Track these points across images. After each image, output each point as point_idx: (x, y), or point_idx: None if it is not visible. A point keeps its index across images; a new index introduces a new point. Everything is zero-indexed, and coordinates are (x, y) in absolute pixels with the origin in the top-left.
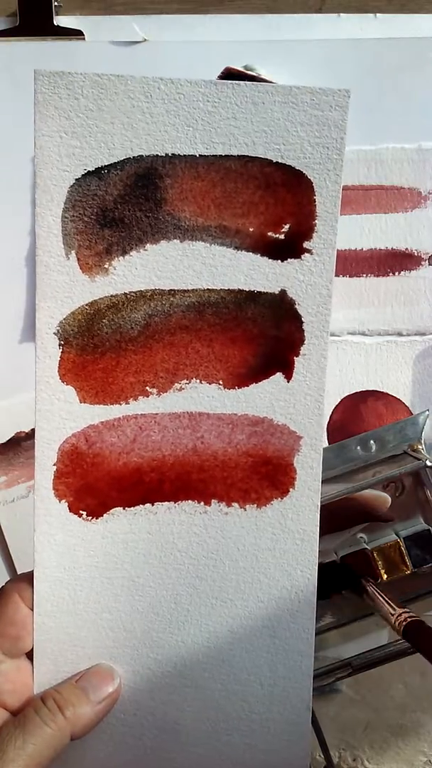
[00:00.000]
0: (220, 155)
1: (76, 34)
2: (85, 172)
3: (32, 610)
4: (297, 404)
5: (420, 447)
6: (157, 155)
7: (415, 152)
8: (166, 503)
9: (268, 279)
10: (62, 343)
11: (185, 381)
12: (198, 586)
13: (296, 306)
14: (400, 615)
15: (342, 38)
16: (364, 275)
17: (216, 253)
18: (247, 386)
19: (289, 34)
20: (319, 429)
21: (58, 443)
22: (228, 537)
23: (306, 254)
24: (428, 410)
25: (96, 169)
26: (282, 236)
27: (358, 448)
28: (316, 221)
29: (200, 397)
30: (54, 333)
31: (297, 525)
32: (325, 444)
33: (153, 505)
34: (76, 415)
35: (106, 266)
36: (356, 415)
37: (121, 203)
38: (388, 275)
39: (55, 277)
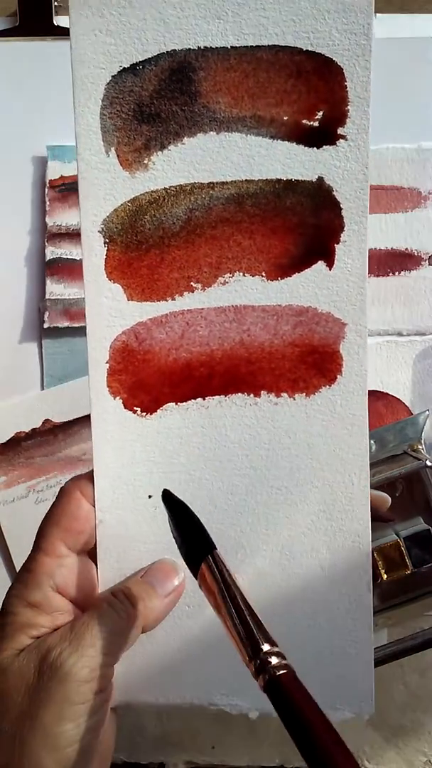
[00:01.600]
0: (251, 46)
1: None
2: (121, 68)
3: (94, 506)
4: (340, 291)
5: (420, 447)
6: (190, 49)
7: (415, 152)
8: (216, 397)
9: (305, 167)
10: (107, 241)
11: (228, 275)
12: (252, 476)
13: (334, 193)
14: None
15: None
16: None
17: (252, 143)
18: (290, 276)
19: None
20: (363, 315)
21: (110, 341)
22: (279, 426)
23: (341, 140)
24: (428, 410)
25: (131, 65)
26: (316, 123)
27: None
28: (349, 107)
29: (244, 290)
30: (99, 231)
31: (346, 410)
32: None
33: (204, 399)
34: (125, 313)
35: (145, 162)
36: None
37: (157, 98)
38: (388, 275)
39: (96, 174)
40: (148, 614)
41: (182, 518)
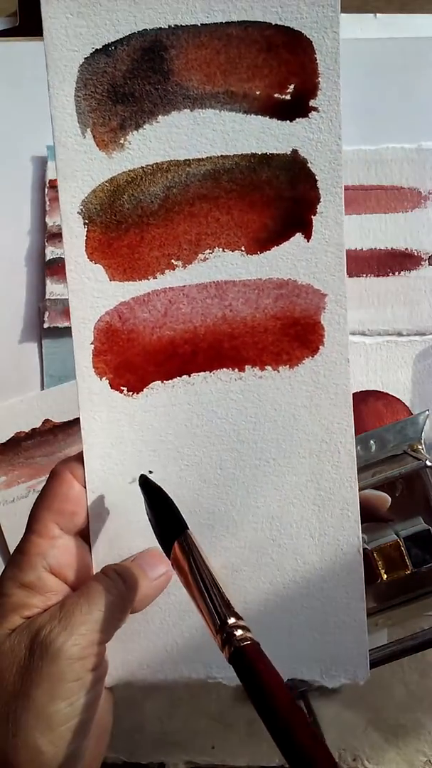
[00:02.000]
0: (221, 22)
1: None
2: (93, 50)
3: (85, 487)
4: (318, 263)
5: (420, 447)
6: (161, 28)
7: (415, 152)
8: (201, 373)
9: (279, 140)
10: (86, 222)
11: (208, 251)
12: (240, 449)
13: (309, 165)
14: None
15: (342, 38)
16: (364, 275)
17: (226, 119)
18: (269, 250)
19: None
20: (342, 284)
21: (93, 322)
22: (264, 399)
23: (313, 112)
24: (428, 410)
25: (103, 46)
26: (288, 96)
27: (358, 448)
28: (320, 79)
29: (224, 266)
30: (78, 212)
31: (330, 380)
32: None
33: (189, 376)
34: (108, 294)
35: (121, 141)
36: (356, 415)
37: (131, 78)
38: (388, 275)
39: (73, 156)
40: (138, 595)
41: (156, 501)
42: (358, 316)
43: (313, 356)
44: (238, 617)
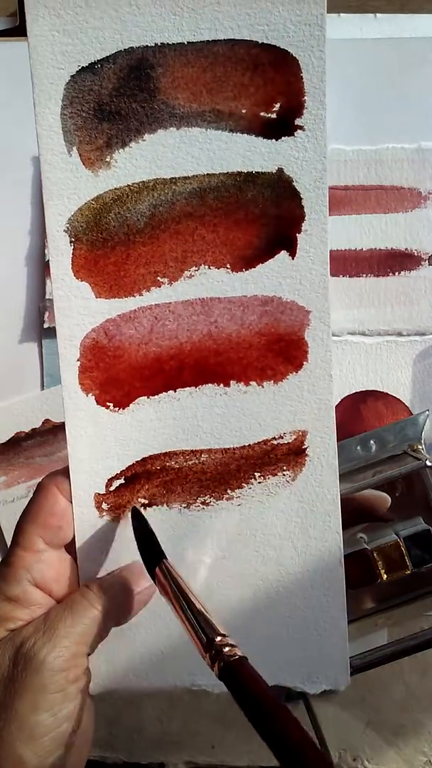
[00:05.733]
0: (207, 40)
1: None
2: (80, 68)
3: (71, 501)
4: (303, 280)
5: (420, 447)
6: (147, 46)
7: (415, 152)
8: (187, 389)
9: (265, 159)
10: (73, 240)
11: (194, 268)
12: None
13: (294, 183)
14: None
15: (342, 38)
16: (364, 275)
17: (212, 137)
18: (254, 267)
19: None
20: (326, 301)
21: (79, 339)
22: (249, 414)
23: (299, 131)
24: (428, 410)
25: (89, 64)
26: (274, 115)
27: (358, 448)
28: (306, 98)
29: (210, 283)
30: (64, 230)
31: (313, 395)
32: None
33: (175, 391)
34: (94, 311)
35: (107, 160)
36: (356, 415)
37: (117, 96)
38: (388, 275)
39: (59, 174)
40: (121, 608)
41: (139, 530)
42: (358, 316)
43: (297, 372)
44: (223, 635)
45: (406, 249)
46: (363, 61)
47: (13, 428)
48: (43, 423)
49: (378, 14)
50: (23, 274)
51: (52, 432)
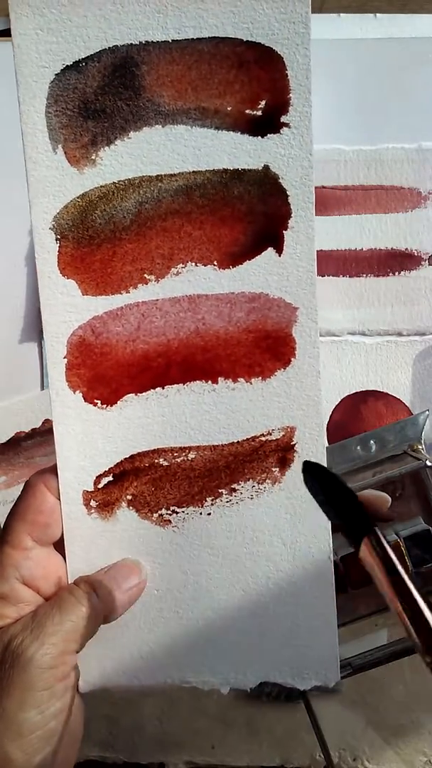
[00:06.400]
0: (192, 38)
1: None
2: (64, 66)
3: (59, 499)
4: (290, 277)
5: (420, 447)
6: (132, 44)
7: (415, 152)
8: (175, 386)
9: (251, 156)
10: (59, 237)
11: (181, 265)
12: None
13: (280, 180)
14: None
15: (342, 38)
16: (364, 275)
17: (198, 134)
18: (241, 264)
19: None
20: (313, 298)
21: (66, 336)
22: (237, 410)
23: (284, 128)
24: (428, 410)
25: (74, 62)
26: (260, 112)
27: (358, 448)
28: (291, 95)
29: (197, 280)
30: (50, 228)
31: (301, 392)
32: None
33: (163, 388)
34: (80, 308)
35: (93, 157)
36: (356, 415)
37: (102, 94)
38: (388, 275)
39: (44, 172)
40: (108, 603)
41: (335, 492)
42: (358, 316)
43: (284, 368)
44: None
45: (406, 249)
46: (363, 61)
47: (13, 428)
48: (43, 423)
49: (378, 14)
50: (23, 274)
51: (52, 432)
